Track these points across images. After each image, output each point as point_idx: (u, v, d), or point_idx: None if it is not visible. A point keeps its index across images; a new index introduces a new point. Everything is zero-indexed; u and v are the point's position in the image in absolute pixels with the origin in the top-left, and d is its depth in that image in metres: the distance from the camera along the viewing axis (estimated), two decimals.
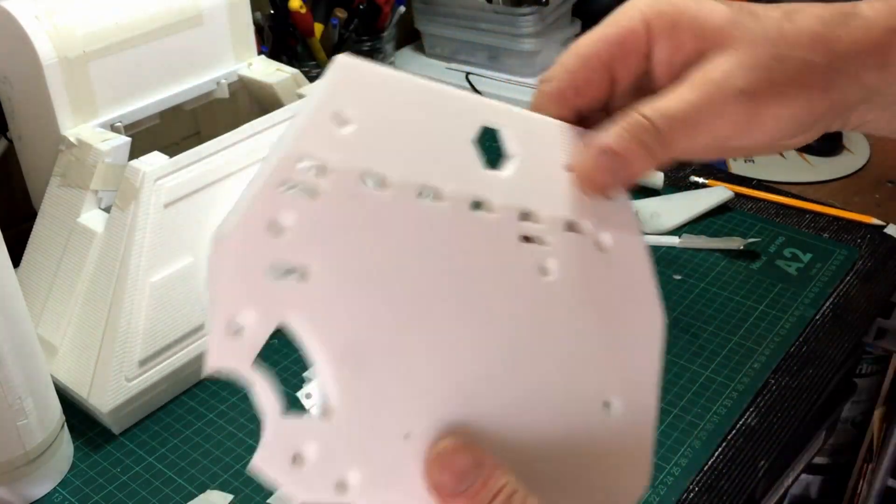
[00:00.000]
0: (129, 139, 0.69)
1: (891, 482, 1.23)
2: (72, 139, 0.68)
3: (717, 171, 0.94)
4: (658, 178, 0.89)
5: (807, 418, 0.67)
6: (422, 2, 1.11)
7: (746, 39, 0.34)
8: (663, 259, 0.81)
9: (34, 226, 0.71)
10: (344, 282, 0.30)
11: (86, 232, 0.67)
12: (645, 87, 0.36)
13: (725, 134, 0.34)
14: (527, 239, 0.34)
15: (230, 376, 0.29)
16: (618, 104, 0.36)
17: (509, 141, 0.35)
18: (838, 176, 0.95)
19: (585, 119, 0.36)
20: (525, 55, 1.06)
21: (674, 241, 0.83)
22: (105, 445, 0.65)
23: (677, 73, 0.34)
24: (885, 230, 0.85)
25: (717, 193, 0.88)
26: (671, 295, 0.77)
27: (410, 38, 1.19)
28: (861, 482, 1.35)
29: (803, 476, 1.36)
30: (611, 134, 0.34)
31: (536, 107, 0.38)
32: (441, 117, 0.33)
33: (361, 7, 1.00)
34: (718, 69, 0.34)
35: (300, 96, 0.77)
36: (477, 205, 0.33)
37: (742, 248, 0.81)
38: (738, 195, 0.91)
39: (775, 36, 0.34)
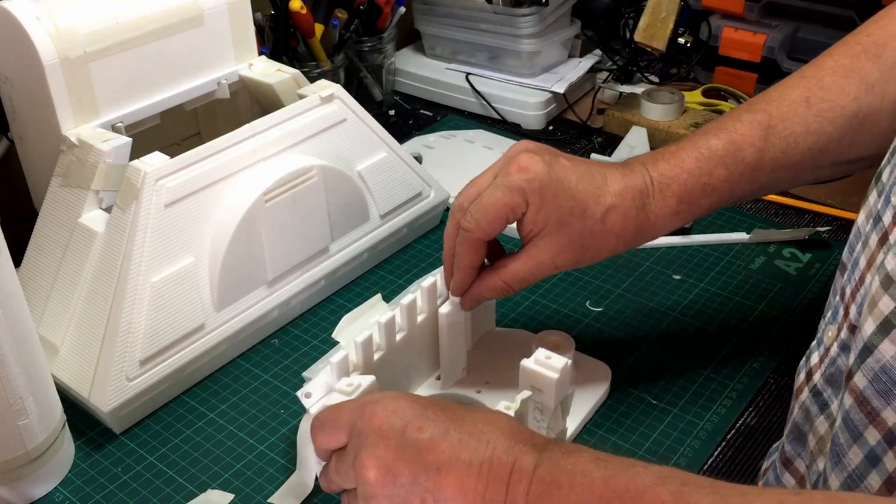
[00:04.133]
0: (129, 139, 0.69)
1: None
2: (73, 139, 0.69)
3: None
4: None
5: None
6: (422, 2, 1.11)
7: (571, 234, 0.59)
8: (663, 259, 0.82)
9: (35, 226, 0.71)
10: None
11: (87, 232, 0.67)
12: (520, 220, 0.59)
13: (540, 277, 0.61)
14: None
15: None
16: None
17: None
18: (838, 176, 0.95)
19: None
20: (525, 55, 1.07)
21: (742, 237, 0.84)
22: (106, 445, 0.65)
23: (530, 228, 0.59)
24: None
25: None
26: (671, 295, 0.77)
27: (410, 38, 1.19)
28: None
29: None
30: (477, 289, 0.62)
31: (462, 245, 0.60)
32: None
33: (362, 7, 1.00)
34: (545, 253, 0.59)
35: (300, 97, 0.77)
36: None
37: (807, 237, 0.83)
38: None
39: (588, 234, 0.59)
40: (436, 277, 0.64)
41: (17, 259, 0.66)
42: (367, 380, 0.56)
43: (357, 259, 0.79)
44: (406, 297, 0.63)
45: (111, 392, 0.63)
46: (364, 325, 0.63)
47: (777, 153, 0.59)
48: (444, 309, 0.63)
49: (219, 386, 0.70)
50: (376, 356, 0.61)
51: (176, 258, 0.66)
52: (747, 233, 0.84)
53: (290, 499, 0.59)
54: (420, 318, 0.64)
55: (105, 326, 0.64)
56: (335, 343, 0.64)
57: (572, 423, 0.62)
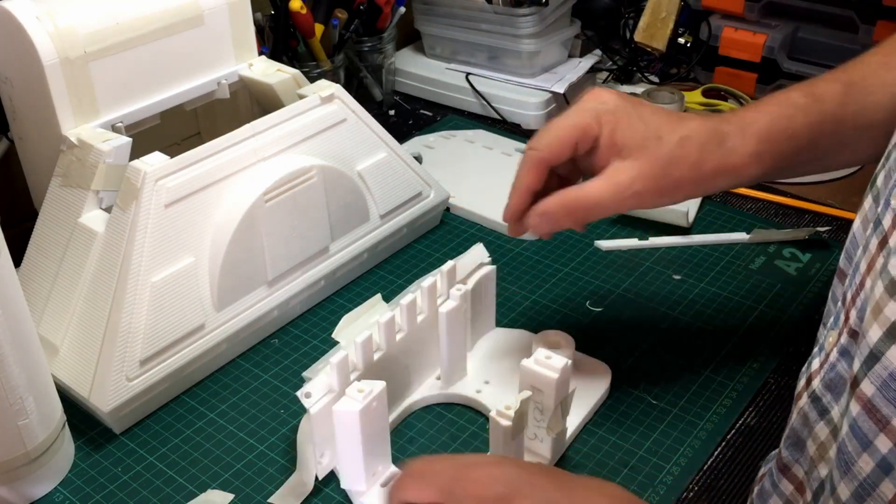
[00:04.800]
0: (129, 139, 0.69)
1: None
2: (73, 139, 0.69)
3: None
4: None
5: None
6: (422, 2, 1.11)
7: (649, 157, 0.56)
8: (663, 259, 0.82)
9: (35, 226, 0.71)
10: None
11: (87, 232, 0.67)
12: (592, 152, 0.57)
13: (620, 210, 0.59)
14: None
15: None
16: (578, 160, 0.59)
17: None
18: (838, 176, 0.95)
19: (554, 170, 0.59)
20: (525, 56, 1.07)
21: (742, 237, 0.84)
22: (106, 445, 0.65)
23: (607, 155, 0.57)
24: None
25: None
26: (671, 295, 0.77)
27: (410, 38, 1.19)
28: None
29: None
30: (550, 202, 0.58)
31: (525, 164, 0.58)
32: None
33: (362, 7, 1.00)
34: (625, 174, 0.56)
35: (300, 97, 0.77)
36: None
37: (807, 237, 0.83)
38: (738, 195, 0.91)
39: (666, 159, 0.56)
40: (436, 277, 0.64)
41: (17, 259, 0.66)
42: (378, 385, 0.56)
43: (357, 259, 0.79)
44: (406, 297, 0.63)
45: (111, 392, 0.63)
46: (364, 325, 0.63)
47: (858, 108, 0.59)
48: (444, 308, 0.63)
49: (219, 386, 0.70)
50: (376, 356, 0.61)
51: (176, 258, 0.66)
52: (747, 233, 0.84)
53: (291, 499, 0.59)
54: (420, 318, 0.64)
55: (105, 326, 0.64)
56: (335, 343, 0.64)
57: (572, 423, 0.62)
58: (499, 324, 0.73)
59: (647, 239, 0.84)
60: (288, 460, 0.63)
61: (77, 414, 0.66)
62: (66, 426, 0.63)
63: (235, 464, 0.63)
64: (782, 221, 0.87)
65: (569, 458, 0.62)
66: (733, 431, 0.64)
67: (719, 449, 0.63)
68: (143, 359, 0.64)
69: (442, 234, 0.87)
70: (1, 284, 0.53)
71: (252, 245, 0.69)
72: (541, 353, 0.57)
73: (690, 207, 0.85)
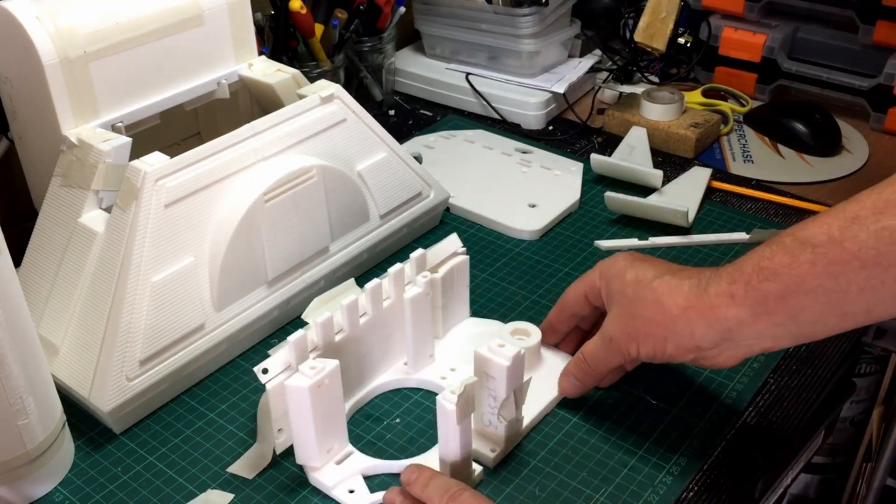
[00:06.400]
0: (129, 139, 0.69)
1: (890, 481, 1.23)
2: (73, 139, 0.69)
3: (716, 172, 0.94)
4: (657, 178, 0.89)
5: (806, 418, 0.67)
6: (422, 2, 1.11)
7: (621, 302, 0.60)
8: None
9: (35, 226, 0.71)
10: None
11: (87, 232, 0.67)
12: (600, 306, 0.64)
13: (620, 361, 0.62)
14: None
15: None
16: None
17: None
18: (837, 176, 0.95)
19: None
20: (525, 56, 1.07)
21: (742, 237, 0.84)
22: (106, 445, 0.65)
23: (607, 307, 0.62)
24: None
25: (701, 173, 0.92)
26: None
27: (410, 38, 1.19)
28: (860, 481, 1.35)
29: (802, 475, 1.36)
30: (567, 365, 0.66)
31: (544, 331, 0.69)
32: None
33: (362, 7, 1.00)
34: (607, 323, 0.61)
35: (300, 97, 0.77)
36: None
37: None
38: (738, 195, 0.91)
39: (638, 304, 0.58)
40: (404, 265, 0.66)
41: (17, 259, 0.66)
42: (331, 364, 0.57)
43: (357, 259, 0.79)
44: (372, 282, 0.64)
45: (111, 392, 0.63)
46: (335, 308, 0.64)
47: None
48: (409, 294, 0.64)
49: (219, 386, 0.70)
50: (339, 337, 0.63)
51: (176, 258, 0.66)
52: (747, 233, 0.84)
53: (248, 469, 0.62)
54: (386, 303, 0.66)
55: (105, 326, 0.64)
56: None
57: (529, 414, 0.64)
58: (504, 319, 0.73)
59: (647, 239, 0.84)
60: (288, 461, 0.63)
61: (77, 414, 0.66)
62: (66, 426, 0.63)
63: None
64: (782, 221, 0.87)
65: (569, 458, 0.62)
66: (733, 431, 0.64)
67: (719, 449, 0.63)
68: (143, 359, 0.64)
69: (442, 235, 0.86)
70: (1, 284, 0.53)
71: (252, 245, 0.69)
72: (495, 341, 0.58)
73: (690, 207, 0.85)
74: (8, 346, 0.54)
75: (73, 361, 0.65)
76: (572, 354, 0.66)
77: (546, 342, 0.68)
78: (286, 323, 0.75)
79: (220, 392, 0.69)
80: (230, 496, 0.60)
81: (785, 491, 0.84)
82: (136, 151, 0.68)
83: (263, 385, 0.57)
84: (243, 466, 0.62)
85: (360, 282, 0.81)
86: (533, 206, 0.88)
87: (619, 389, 0.67)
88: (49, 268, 0.68)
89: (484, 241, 0.85)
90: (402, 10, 1.05)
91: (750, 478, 0.61)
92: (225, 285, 0.68)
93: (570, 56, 1.13)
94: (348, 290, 0.66)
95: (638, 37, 1.03)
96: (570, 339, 0.69)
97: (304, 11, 0.92)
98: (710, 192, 0.91)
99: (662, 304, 0.56)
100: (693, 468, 0.61)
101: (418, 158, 0.92)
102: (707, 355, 0.56)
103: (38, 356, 0.58)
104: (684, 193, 0.89)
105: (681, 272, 0.58)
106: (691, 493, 0.59)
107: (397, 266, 0.66)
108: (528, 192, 0.90)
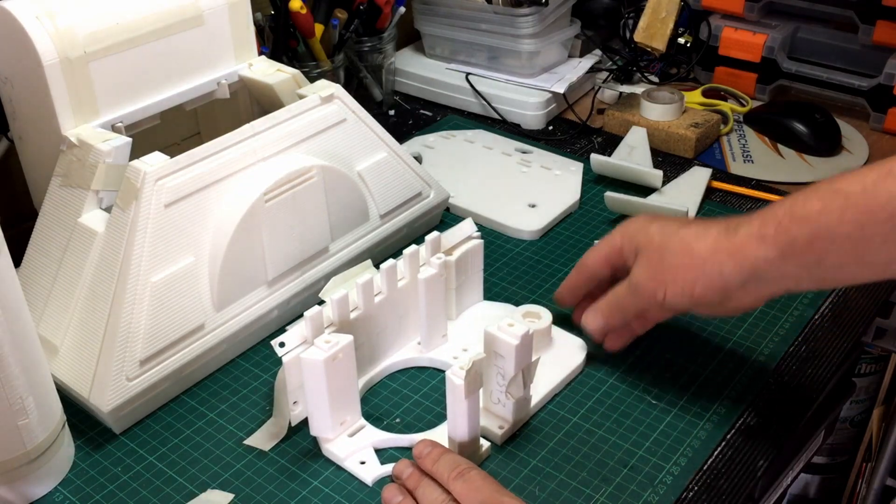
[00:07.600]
0: (129, 139, 0.69)
1: (889, 481, 1.23)
2: (73, 139, 0.69)
3: (716, 172, 0.94)
4: (657, 178, 0.89)
5: (806, 418, 0.67)
6: (422, 2, 1.11)
7: (647, 251, 0.62)
8: None
9: (35, 226, 0.71)
10: None
11: (87, 232, 0.67)
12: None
13: (642, 306, 0.64)
14: None
15: None
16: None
17: None
18: None
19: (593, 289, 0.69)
20: (525, 56, 1.07)
21: None
22: (106, 445, 0.65)
23: (633, 263, 0.63)
24: None
25: (701, 173, 0.93)
26: None
27: (410, 38, 1.19)
28: (860, 481, 1.36)
29: (802, 475, 1.36)
30: (600, 305, 0.67)
31: (562, 293, 0.71)
32: None
33: (362, 7, 1.00)
34: (633, 271, 0.63)
35: (300, 97, 0.77)
36: None
37: None
38: (737, 195, 0.91)
39: (666, 251, 0.61)
40: (419, 247, 0.68)
41: (17, 259, 0.66)
42: (345, 338, 0.59)
43: (357, 259, 0.79)
44: (388, 262, 0.66)
45: (111, 392, 0.63)
46: (351, 287, 0.65)
47: None
48: (423, 275, 0.66)
49: (219, 386, 0.70)
50: (354, 315, 0.64)
51: (176, 258, 0.66)
52: None
53: (265, 441, 0.64)
54: (401, 283, 0.68)
55: (105, 326, 0.64)
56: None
57: (538, 394, 0.65)
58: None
59: None
60: (288, 460, 0.63)
61: (77, 414, 0.66)
62: (66, 426, 0.63)
63: (235, 464, 0.63)
64: None
65: (569, 458, 0.62)
66: (733, 431, 0.64)
67: (719, 449, 0.63)
68: (143, 359, 0.64)
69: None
70: (1, 284, 0.53)
71: (252, 245, 0.69)
72: (505, 320, 0.59)
73: (690, 207, 0.85)
74: (8, 347, 0.54)
75: (72, 361, 0.65)
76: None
77: (561, 304, 0.71)
78: (286, 323, 0.75)
79: (220, 392, 0.69)
80: (230, 496, 0.60)
81: (785, 491, 0.84)
82: (136, 151, 0.68)
83: (280, 358, 0.59)
84: (260, 438, 0.64)
85: None
86: (533, 206, 0.88)
87: (619, 389, 0.67)
88: (49, 268, 0.68)
89: (484, 241, 0.85)
90: (402, 10, 1.05)
91: (749, 478, 0.61)
92: (225, 285, 0.68)
93: (570, 56, 1.13)
94: (365, 271, 0.67)
95: (638, 37, 1.03)
96: (582, 306, 0.70)
97: (304, 11, 0.92)
98: (710, 192, 0.91)
99: (691, 248, 0.59)
100: (693, 468, 0.61)
101: (418, 158, 0.92)
102: (733, 296, 0.58)
103: (38, 356, 0.58)
104: (684, 193, 0.89)
105: (704, 221, 0.60)
106: (691, 493, 0.59)
107: (412, 247, 0.68)
108: (528, 192, 0.90)
